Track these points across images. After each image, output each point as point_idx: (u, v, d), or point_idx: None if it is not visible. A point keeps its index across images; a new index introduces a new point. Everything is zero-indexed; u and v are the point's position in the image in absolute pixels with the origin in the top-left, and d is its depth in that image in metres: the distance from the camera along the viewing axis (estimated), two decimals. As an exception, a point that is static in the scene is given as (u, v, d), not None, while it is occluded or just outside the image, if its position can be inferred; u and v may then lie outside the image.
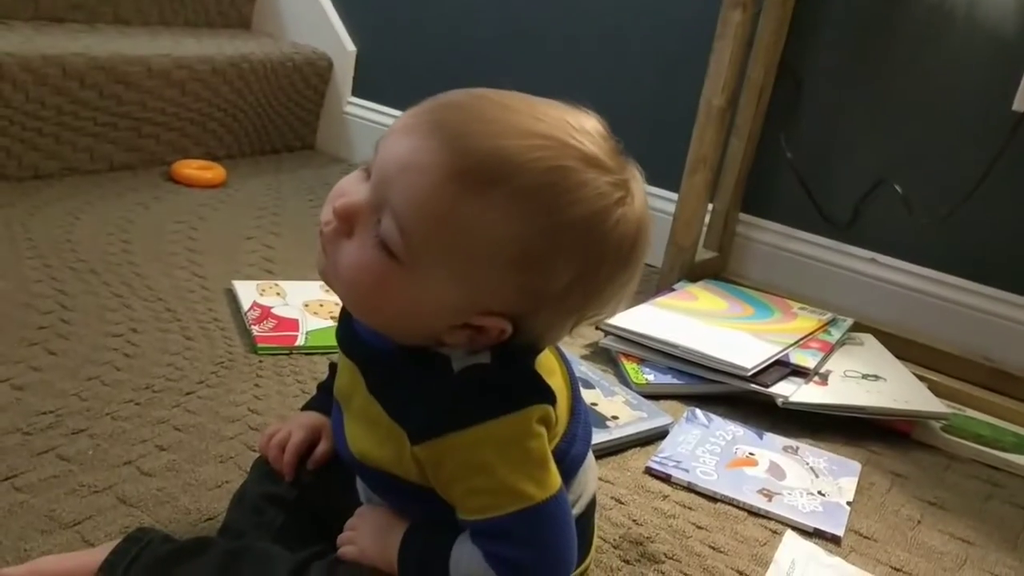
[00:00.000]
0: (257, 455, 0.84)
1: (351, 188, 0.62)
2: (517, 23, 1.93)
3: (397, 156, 0.59)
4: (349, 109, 2.19)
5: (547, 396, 0.64)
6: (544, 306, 0.61)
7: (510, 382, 0.63)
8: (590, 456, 0.74)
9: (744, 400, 1.26)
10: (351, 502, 0.75)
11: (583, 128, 0.60)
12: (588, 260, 0.60)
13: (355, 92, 2.20)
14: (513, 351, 0.63)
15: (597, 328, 1.37)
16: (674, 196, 1.60)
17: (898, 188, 1.55)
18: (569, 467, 0.68)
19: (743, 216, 1.72)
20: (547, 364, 0.69)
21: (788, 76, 1.63)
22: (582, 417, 0.72)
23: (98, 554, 0.69)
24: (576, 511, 0.71)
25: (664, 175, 1.77)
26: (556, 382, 0.68)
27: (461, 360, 0.63)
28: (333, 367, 0.76)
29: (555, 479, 0.63)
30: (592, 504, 0.76)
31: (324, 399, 0.80)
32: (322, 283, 1.39)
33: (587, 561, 0.77)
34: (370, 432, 0.67)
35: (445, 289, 0.59)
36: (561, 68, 1.87)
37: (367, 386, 0.67)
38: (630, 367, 1.29)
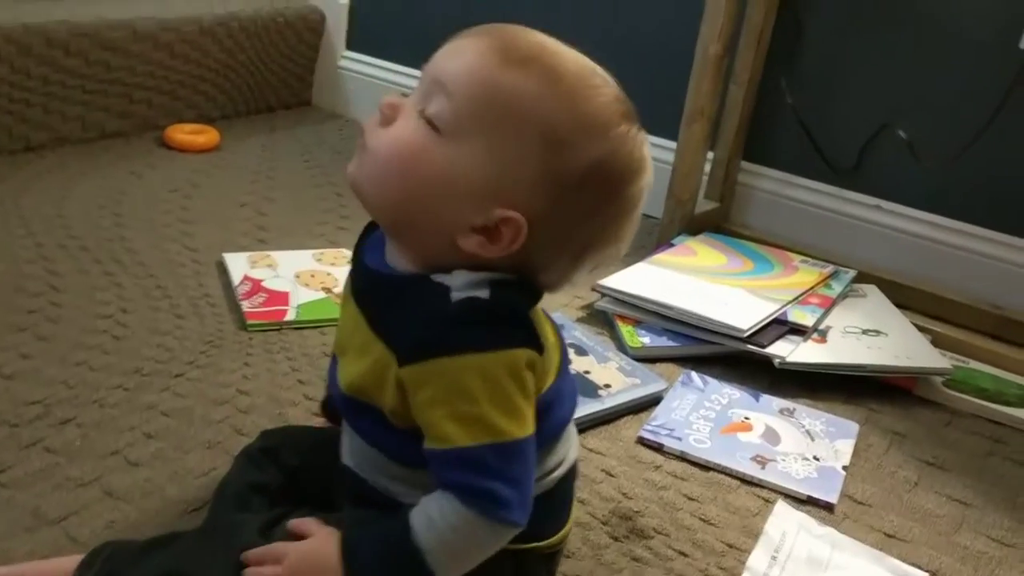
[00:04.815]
0: (243, 445, 0.84)
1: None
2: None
3: (445, 51, 0.65)
4: (344, 63, 2.15)
5: (537, 343, 0.65)
6: (559, 204, 0.63)
7: (506, 319, 0.64)
8: (572, 425, 0.76)
9: (742, 360, 1.24)
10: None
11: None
12: (601, 155, 0.64)
13: (349, 46, 2.15)
14: (512, 292, 0.65)
15: (593, 289, 1.35)
16: (673, 144, 1.56)
17: (902, 133, 1.50)
18: (552, 425, 0.69)
19: (745, 164, 1.68)
20: (540, 324, 0.69)
21: (789, 18, 1.57)
22: (568, 377, 0.74)
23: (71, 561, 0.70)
24: (559, 473, 0.73)
25: (663, 125, 1.73)
26: (549, 341, 0.69)
27: (461, 292, 0.64)
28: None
29: (531, 425, 0.64)
30: (573, 469, 0.77)
31: None
32: (314, 253, 1.39)
33: (568, 525, 0.78)
34: (360, 358, 0.67)
35: (477, 164, 0.62)
36: (558, 14, 1.82)
37: (367, 319, 0.68)
38: (626, 329, 1.27)
